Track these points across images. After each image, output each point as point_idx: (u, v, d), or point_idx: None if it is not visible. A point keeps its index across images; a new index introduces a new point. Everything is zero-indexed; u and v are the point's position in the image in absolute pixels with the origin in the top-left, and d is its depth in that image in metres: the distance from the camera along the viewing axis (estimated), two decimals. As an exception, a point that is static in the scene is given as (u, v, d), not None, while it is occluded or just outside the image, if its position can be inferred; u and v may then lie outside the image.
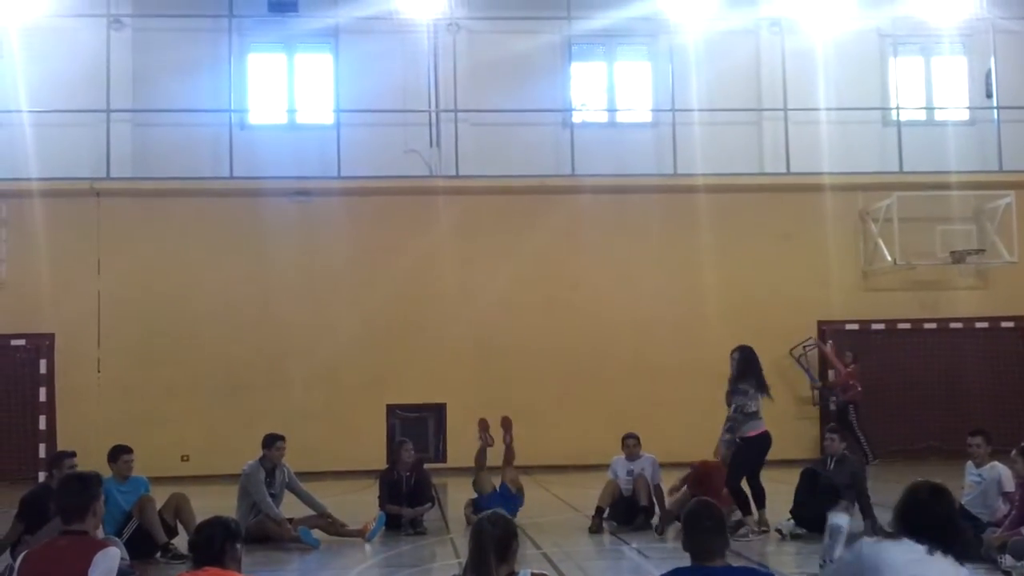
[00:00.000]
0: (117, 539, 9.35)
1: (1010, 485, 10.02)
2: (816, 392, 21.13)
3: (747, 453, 11.76)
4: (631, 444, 13.16)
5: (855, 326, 21.52)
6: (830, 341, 21.14)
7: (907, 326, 21.38)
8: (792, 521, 11.67)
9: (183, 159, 21.08)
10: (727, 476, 11.78)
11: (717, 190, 21.29)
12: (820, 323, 21.48)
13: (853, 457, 12.09)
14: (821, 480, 11.82)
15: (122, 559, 6.12)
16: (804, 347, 21.15)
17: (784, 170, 21.82)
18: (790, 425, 19.62)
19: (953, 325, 21.55)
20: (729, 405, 11.89)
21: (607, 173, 21.43)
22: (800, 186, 21.55)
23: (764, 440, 11.87)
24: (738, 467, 11.77)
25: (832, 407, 20.60)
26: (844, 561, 5.12)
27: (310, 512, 12.30)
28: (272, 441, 12.21)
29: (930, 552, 4.98)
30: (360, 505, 13.68)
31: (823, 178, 21.46)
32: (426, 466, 13.80)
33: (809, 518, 11.43)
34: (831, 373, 21.02)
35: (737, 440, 11.78)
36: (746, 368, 12.08)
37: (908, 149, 22.04)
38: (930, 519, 5.09)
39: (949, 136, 22.39)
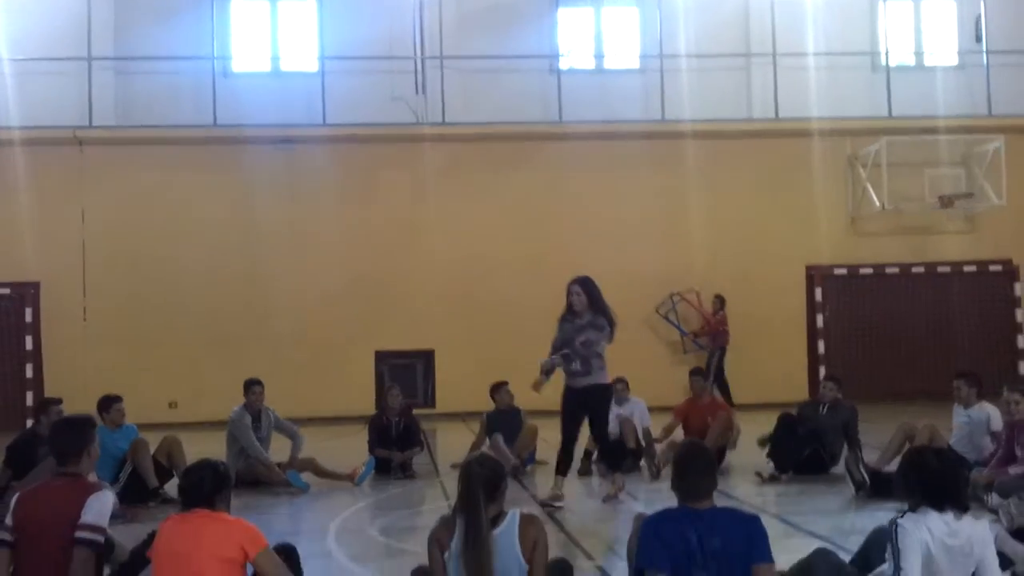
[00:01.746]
0: (108, 485, 9.37)
1: (998, 425, 10.05)
2: (687, 341, 21.13)
3: (605, 403, 10.81)
4: (619, 388, 13.14)
5: (843, 271, 21.56)
6: (696, 290, 21.04)
7: (895, 270, 21.42)
8: (771, 464, 11.72)
9: (166, 107, 20.89)
10: (598, 434, 10.97)
11: (705, 136, 21.19)
12: (808, 268, 21.51)
13: (846, 403, 12.05)
14: (806, 425, 11.84)
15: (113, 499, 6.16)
16: (672, 299, 21.07)
17: (773, 116, 21.72)
18: (665, 371, 20.04)
19: (941, 269, 21.60)
20: (573, 341, 10.43)
21: (594, 120, 21.30)
22: (788, 131, 21.47)
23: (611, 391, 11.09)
24: (605, 416, 10.86)
25: (710, 354, 20.61)
26: (904, 545, 5.16)
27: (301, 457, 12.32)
28: (249, 386, 12.27)
29: (957, 518, 5.17)
30: (349, 450, 13.71)
31: (811, 123, 21.37)
32: (415, 411, 13.81)
33: (787, 461, 11.56)
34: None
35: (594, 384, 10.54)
36: (600, 303, 10.70)
37: (897, 94, 21.93)
38: (946, 483, 5.26)
39: (938, 81, 22.30)
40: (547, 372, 10.51)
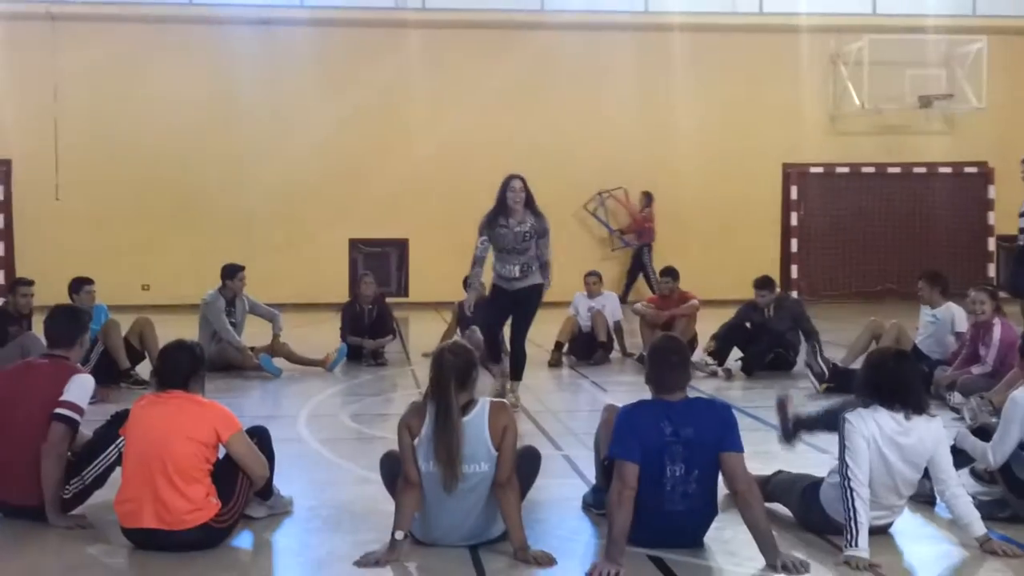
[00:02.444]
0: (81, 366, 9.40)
1: (963, 325, 10.17)
2: (614, 238, 21.22)
3: (536, 302, 9.70)
4: (592, 282, 13.26)
5: (820, 169, 21.60)
6: (622, 188, 21.04)
7: (871, 170, 21.44)
8: (740, 362, 11.84)
9: (141, -17, 20.51)
10: (519, 337, 9.77)
11: (688, 29, 20.97)
12: (785, 165, 21.53)
13: (789, 299, 12.09)
14: (756, 328, 11.89)
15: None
16: (601, 196, 21.08)
17: (757, 10, 21.48)
18: (596, 266, 19.84)
19: (917, 170, 21.65)
20: (521, 245, 9.51)
21: (576, 8, 21.01)
22: (772, 27, 21.30)
23: None
24: (531, 317, 9.72)
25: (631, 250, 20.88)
26: (850, 440, 5.25)
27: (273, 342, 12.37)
28: (233, 272, 12.21)
29: (907, 417, 5.26)
30: (322, 337, 13.77)
31: (795, 19, 21.17)
32: (388, 300, 13.84)
33: (752, 364, 11.66)
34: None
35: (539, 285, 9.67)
36: (534, 203, 9.67)
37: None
38: (900, 385, 5.36)
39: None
40: (476, 289, 9.64)
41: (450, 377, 5.24)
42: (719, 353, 11.80)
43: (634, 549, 5.20)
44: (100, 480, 6.03)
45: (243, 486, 5.63)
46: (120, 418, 5.91)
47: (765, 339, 11.75)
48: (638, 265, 20.56)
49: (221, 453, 5.61)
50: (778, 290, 12.15)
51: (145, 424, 5.47)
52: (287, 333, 12.58)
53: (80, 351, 6.45)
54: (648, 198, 20.80)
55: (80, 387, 5.97)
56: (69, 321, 6.40)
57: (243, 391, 10.92)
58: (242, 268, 12.26)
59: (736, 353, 11.91)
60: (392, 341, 13.16)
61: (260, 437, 5.91)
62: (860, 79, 20.59)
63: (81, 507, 5.99)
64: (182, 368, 5.61)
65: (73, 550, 5.57)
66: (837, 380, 10.20)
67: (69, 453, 5.96)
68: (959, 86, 20.99)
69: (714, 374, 11.58)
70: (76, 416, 5.89)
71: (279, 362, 11.96)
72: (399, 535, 5.21)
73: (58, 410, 5.83)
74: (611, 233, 21.17)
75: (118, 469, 5.78)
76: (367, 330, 12.83)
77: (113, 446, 5.95)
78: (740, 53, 21.26)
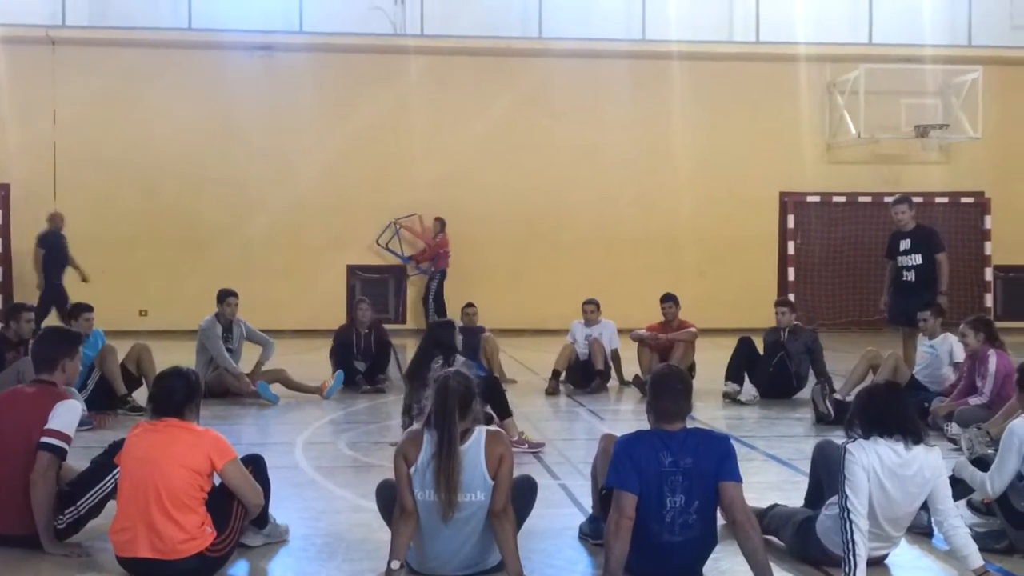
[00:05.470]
0: (77, 392, 9.39)
1: (960, 356, 10.17)
2: (410, 266, 20.85)
3: None
4: (589, 310, 13.28)
5: (816, 198, 21.63)
6: (415, 215, 20.74)
7: (868, 199, 21.47)
8: (750, 389, 11.86)
9: (141, 8, 20.52)
10: None
11: (686, 57, 21.04)
12: (782, 194, 21.56)
13: (807, 330, 12.20)
14: (769, 349, 11.98)
15: (82, 411, 6.18)
16: (394, 225, 20.77)
17: (754, 39, 21.57)
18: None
19: (914, 199, 21.57)
20: None
21: (574, 36, 21.09)
22: (769, 55, 21.36)
23: None
24: None
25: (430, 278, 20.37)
26: (850, 471, 5.24)
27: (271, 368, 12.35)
28: (223, 297, 12.23)
29: (907, 448, 5.26)
30: (318, 364, 13.72)
31: (792, 48, 21.25)
32: (386, 326, 13.82)
33: (755, 380, 11.84)
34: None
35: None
36: None
37: (878, 22, 21.81)
38: (895, 416, 5.35)
39: (919, 8, 22.13)
40: None
41: (454, 404, 5.23)
42: (734, 376, 11.96)
43: (631, 580, 5.19)
44: (96, 510, 6.00)
45: (238, 515, 5.60)
46: (117, 447, 5.86)
47: (773, 355, 11.82)
48: (429, 291, 20.03)
49: (217, 481, 5.59)
50: (796, 315, 12.26)
51: (139, 452, 5.44)
52: (286, 359, 12.57)
53: (65, 375, 6.26)
54: (441, 224, 20.30)
55: (66, 413, 5.91)
56: (52, 344, 6.32)
57: (239, 418, 10.90)
58: (233, 293, 12.25)
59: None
60: (386, 377, 13.06)
61: (255, 465, 5.89)
62: (856, 108, 20.65)
63: (77, 535, 5.96)
64: (177, 395, 5.57)
65: (68, 578, 5.55)
66: (839, 416, 10.27)
67: (67, 485, 5.93)
68: (955, 116, 21.07)
69: (731, 396, 11.70)
70: (62, 444, 5.85)
71: (276, 389, 11.94)
72: (395, 564, 5.19)
73: (43, 439, 5.79)
74: (405, 262, 20.79)
75: (113, 500, 5.74)
76: (359, 356, 12.81)
77: (110, 476, 5.90)
78: (737, 81, 21.33)
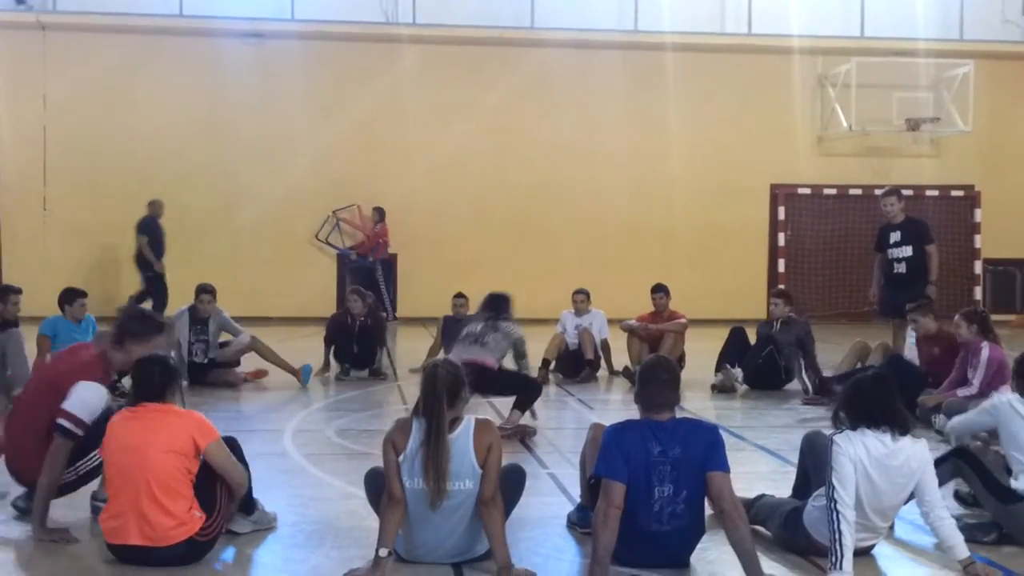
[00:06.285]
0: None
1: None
2: (349, 258, 20.66)
3: None
4: (580, 299, 13.29)
5: (807, 190, 21.67)
6: (353, 205, 20.70)
7: (858, 192, 21.50)
8: (735, 371, 11.86)
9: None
10: None
11: (678, 48, 21.04)
12: (773, 186, 21.60)
13: (800, 322, 12.19)
14: (761, 341, 12.00)
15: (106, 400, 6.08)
16: (334, 215, 20.71)
17: (746, 31, 21.58)
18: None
19: (904, 192, 21.60)
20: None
21: (567, 27, 21.07)
22: (761, 48, 21.38)
23: None
24: None
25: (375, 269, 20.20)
26: (837, 462, 5.28)
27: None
28: (197, 292, 12.33)
29: (894, 439, 5.26)
30: (307, 352, 13.71)
31: (784, 40, 21.26)
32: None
33: (744, 369, 11.83)
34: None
35: None
36: None
37: (870, 14, 21.83)
38: (882, 406, 5.36)
39: (911, 2, 22.12)
40: None
41: (442, 392, 5.23)
42: (726, 362, 12.01)
43: (618, 569, 5.20)
44: (94, 472, 6.04)
45: (223, 496, 5.60)
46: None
47: (763, 348, 11.84)
48: (372, 282, 19.43)
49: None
50: (792, 307, 12.22)
51: (123, 439, 5.41)
52: (275, 348, 12.53)
53: (124, 356, 6.12)
54: (380, 213, 20.23)
55: (84, 394, 5.89)
56: (138, 322, 6.36)
57: (229, 405, 10.90)
58: (206, 290, 12.28)
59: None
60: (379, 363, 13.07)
61: (231, 447, 5.87)
62: (848, 101, 20.69)
63: (65, 522, 5.98)
64: (156, 380, 5.56)
65: (53, 564, 5.55)
66: (822, 391, 10.52)
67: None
68: (946, 109, 21.11)
69: (723, 390, 11.72)
70: (76, 429, 5.84)
71: (253, 357, 12.11)
72: (383, 552, 5.18)
73: (59, 420, 5.81)
74: (345, 254, 20.67)
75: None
76: (352, 342, 12.78)
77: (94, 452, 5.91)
78: (729, 73, 21.35)
